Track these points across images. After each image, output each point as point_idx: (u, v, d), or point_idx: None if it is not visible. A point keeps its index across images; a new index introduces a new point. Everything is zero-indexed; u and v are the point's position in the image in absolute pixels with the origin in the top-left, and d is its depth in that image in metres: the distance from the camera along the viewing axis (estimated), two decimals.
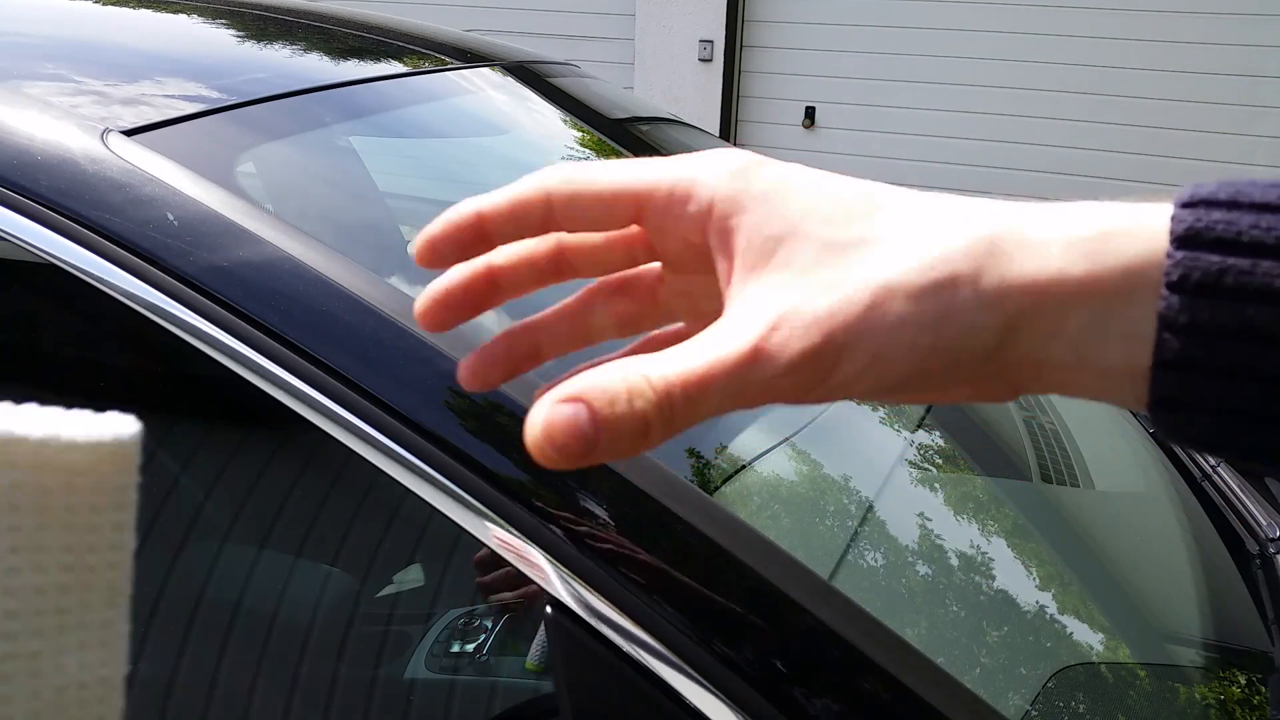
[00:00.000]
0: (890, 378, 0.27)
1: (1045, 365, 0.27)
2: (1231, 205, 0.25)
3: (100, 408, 0.24)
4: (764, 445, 0.89)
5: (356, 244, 0.92)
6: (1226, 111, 4.19)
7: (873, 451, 1.03)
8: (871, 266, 0.27)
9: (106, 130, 0.72)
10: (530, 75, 1.39)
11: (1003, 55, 4.45)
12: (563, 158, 1.27)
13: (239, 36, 1.18)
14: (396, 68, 1.18)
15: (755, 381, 0.26)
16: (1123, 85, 4.30)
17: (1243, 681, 0.90)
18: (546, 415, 0.25)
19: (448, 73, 1.24)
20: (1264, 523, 1.12)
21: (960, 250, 0.26)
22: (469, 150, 1.24)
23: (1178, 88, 4.23)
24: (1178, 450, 1.26)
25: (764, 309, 0.27)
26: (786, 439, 0.92)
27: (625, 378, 0.26)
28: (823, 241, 0.27)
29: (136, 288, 0.65)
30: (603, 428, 0.25)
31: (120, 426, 0.25)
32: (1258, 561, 1.07)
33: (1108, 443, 1.27)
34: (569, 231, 0.31)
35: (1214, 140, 4.23)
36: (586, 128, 1.35)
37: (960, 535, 0.95)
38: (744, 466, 0.85)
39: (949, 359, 0.26)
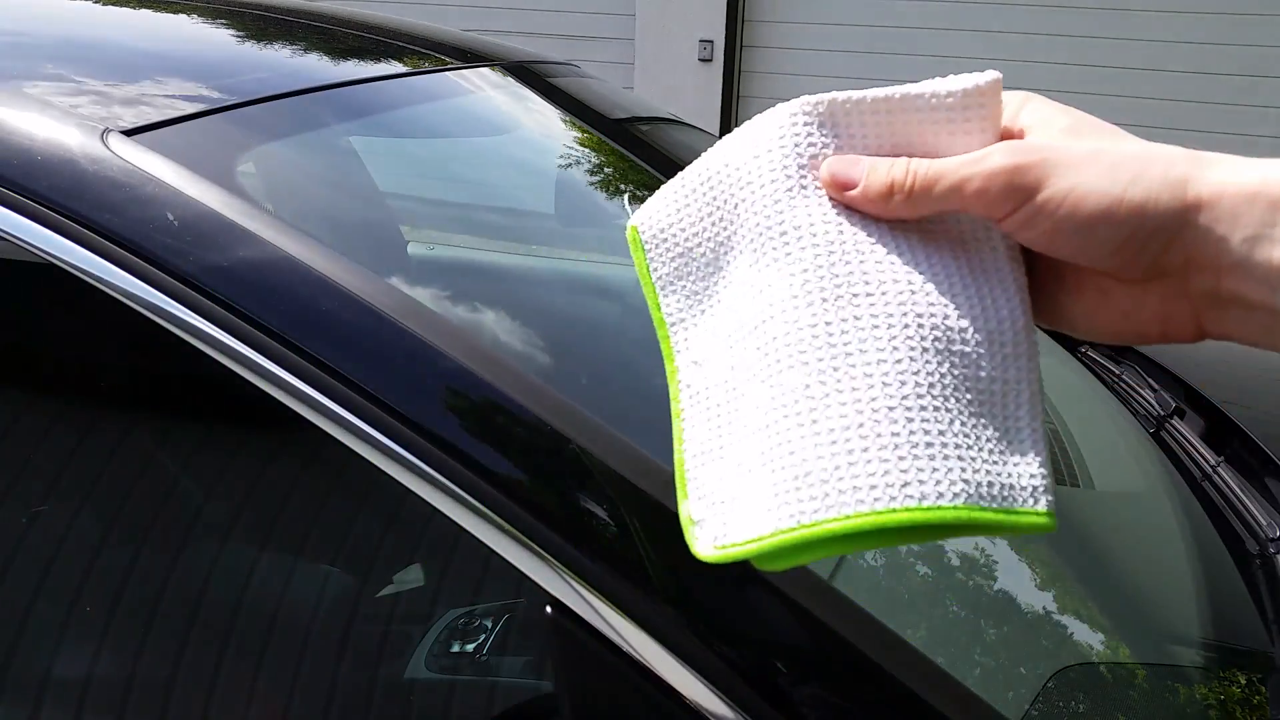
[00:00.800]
0: (1084, 212, 0.35)
1: (1222, 266, 0.34)
2: None
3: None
4: None
5: (356, 244, 0.92)
6: (1226, 111, 4.19)
7: None
8: (1095, 141, 0.37)
9: (106, 130, 0.72)
10: (530, 75, 1.39)
11: (1002, 55, 4.44)
12: (563, 157, 1.27)
13: (239, 36, 1.18)
14: (396, 68, 1.18)
15: (972, 179, 0.36)
16: (1122, 85, 4.30)
17: (1243, 681, 0.90)
18: (835, 159, 0.39)
19: (448, 73, 1.24)
20: (1264, 523, 1.11)
21: (1168, 148, 0.36)
22: (469, 150, 1.24)
23: (1178, 88, 4.23)
24: (1178, 450, 1.26)
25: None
26: None
27: (894, 159, 0.39)
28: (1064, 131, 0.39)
29: (136, 288, 0.65)
30: (865, 174, 0.38)
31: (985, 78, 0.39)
32: (1258, 561, 1.07)
33: (1108, 443, 1.27)
34: None
35: (1214, 140, 4.22)
36: (586, 128, 1.35)
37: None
38: None
39: (1134, 221, 0.35)
